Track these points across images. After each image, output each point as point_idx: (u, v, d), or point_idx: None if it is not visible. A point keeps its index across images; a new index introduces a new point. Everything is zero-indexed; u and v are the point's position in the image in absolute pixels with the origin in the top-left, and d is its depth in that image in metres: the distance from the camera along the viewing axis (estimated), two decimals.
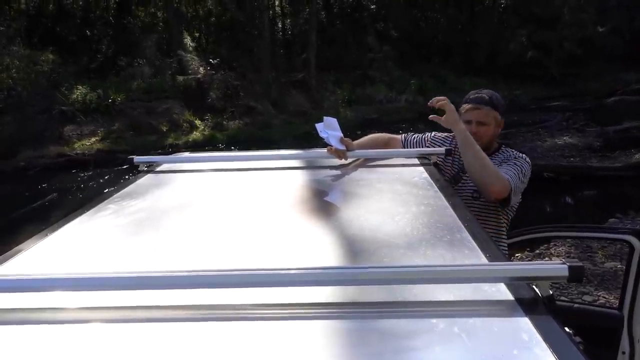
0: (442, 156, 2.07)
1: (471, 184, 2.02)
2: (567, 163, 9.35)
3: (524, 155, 2.04)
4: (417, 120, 15.17)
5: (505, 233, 2.07)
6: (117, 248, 1.24)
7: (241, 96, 16.14)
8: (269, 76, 17.17)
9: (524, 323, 0.80)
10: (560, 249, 4.99)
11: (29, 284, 0.93)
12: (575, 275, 0.86)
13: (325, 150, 2.03)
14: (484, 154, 1.90)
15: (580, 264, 0.87)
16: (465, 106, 2.06)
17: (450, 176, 2.08)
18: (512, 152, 2.07)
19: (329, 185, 1.77)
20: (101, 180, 10.26)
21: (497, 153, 2.07)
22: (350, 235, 1.24)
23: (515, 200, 1.98)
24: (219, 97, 15.84)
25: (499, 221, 2.03)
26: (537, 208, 7.19)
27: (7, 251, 1.21)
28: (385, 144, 2.27)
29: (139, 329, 0.85)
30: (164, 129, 14.17)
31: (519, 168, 1.95)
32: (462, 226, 1.24)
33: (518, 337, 0.77)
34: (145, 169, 2.05)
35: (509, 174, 1.90)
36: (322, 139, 2.07)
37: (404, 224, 1.29)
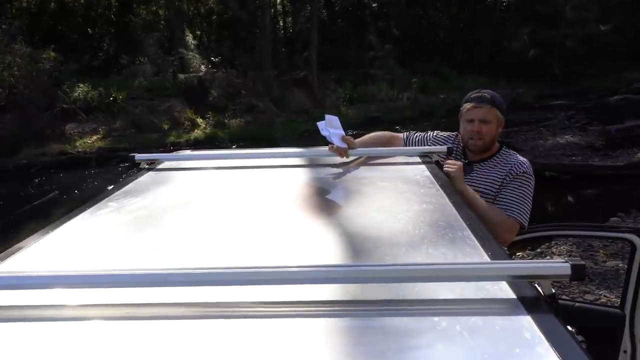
0: (444, 155, 2.06)
1: (474, 185, 2.01)
2: (569, 162, 9.33)
3: (525, 163, 2.01)
4: (419, 118, 15.18)
5: None
6: (119, 245, 1.24)
7: (242, 94, 16.15)
8: (270, 74, 17.16)
9: (526, 321, 0.80)
10: (562, 247, 4.98)
11: (30, 281, 0.93)
12: (578, 273, 0.86)
13: (327, 148, 2.03)
14: (486, 210, 1.87)
15: (582, 262, 0.87)
16: (467, 105, 2.04)
17: None
18: (513, 156, 2.04)
19: (331, 183, 1.77)
20: (105, 177, 10.27)
21: (497, 155, 2.06)
22: (352, 233, 1.24)
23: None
24: (221, 95, 15.85)
25: None
26: (539, 207, 7.15)
27: (8, 248, 1.22)
28: (387, 142, 2.27)
29: (141, 326, 0.85)
30: (166, 127, 14.18)
31: (526, 193, 1.95)
32: (464, 224, 1.23)
33: (520, 336, 0.77)
34: (147, 166, 2.06)
35: (514, 208, 1.91)
36: (323, 137, 2.07)
37: (405, 222, 1.28)
